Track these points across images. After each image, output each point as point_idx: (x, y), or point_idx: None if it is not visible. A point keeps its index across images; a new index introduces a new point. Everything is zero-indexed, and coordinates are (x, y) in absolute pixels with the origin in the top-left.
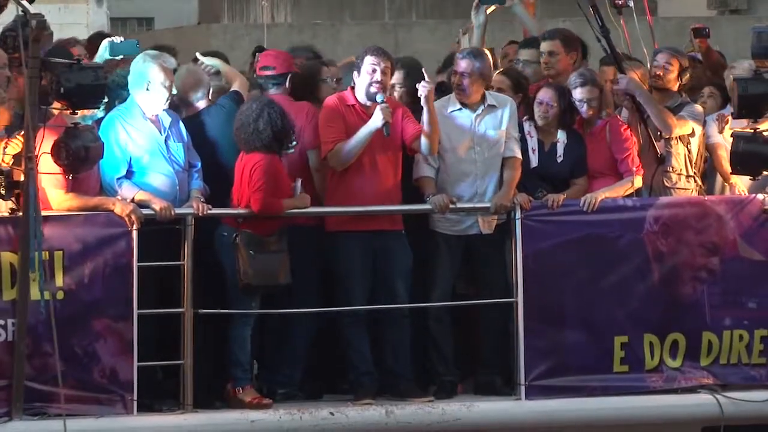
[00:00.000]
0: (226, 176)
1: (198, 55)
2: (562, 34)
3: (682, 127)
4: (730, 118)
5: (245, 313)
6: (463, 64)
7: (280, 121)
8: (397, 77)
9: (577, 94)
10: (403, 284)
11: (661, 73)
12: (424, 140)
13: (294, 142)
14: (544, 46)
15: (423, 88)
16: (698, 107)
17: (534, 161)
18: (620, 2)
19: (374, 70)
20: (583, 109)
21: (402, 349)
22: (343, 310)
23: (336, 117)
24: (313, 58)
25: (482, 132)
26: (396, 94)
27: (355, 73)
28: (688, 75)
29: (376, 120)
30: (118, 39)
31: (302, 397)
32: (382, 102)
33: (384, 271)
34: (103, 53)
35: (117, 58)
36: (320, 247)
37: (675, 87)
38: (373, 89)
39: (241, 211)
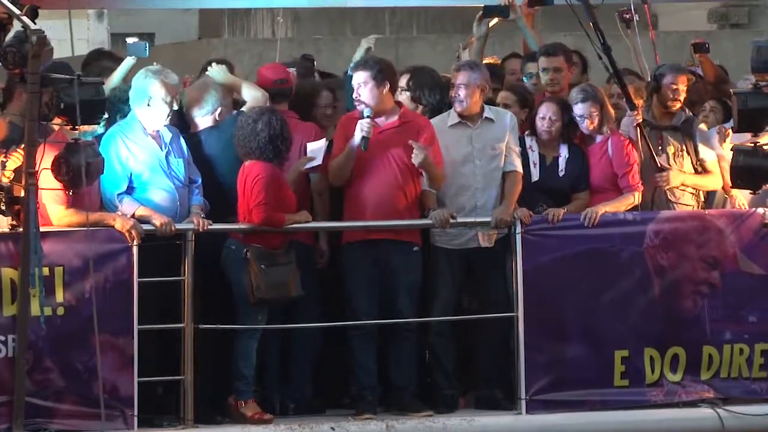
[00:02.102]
0: (226, 192)
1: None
2: (564, 50)
3: (715, 179)
4: (730, 131)
5: (247, 328)
6: (460, 76)
7: (279, 126)
8: (402, 82)
9: (578, 109)
10: (409, 299)
11: (676, 96)
12: (426, 181)
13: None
14: (548, 62)
15: (415, 158)
16: (703, 126)
17: (535, 175)
18: (627, 16)
19: (358, 86)
20: (584, 124)
21: (406, 363)
22: (347, 324)
23: (338, 133)
24: (307, 63)
25: (481, 145)
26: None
27: None
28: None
29: (356, 135)
30: (131, 40)
31: (311, 410)
32: (367, 117)
33: (391, 285)
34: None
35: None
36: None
37: (678, 105)
38: (360, 107)
39: (242, 226)
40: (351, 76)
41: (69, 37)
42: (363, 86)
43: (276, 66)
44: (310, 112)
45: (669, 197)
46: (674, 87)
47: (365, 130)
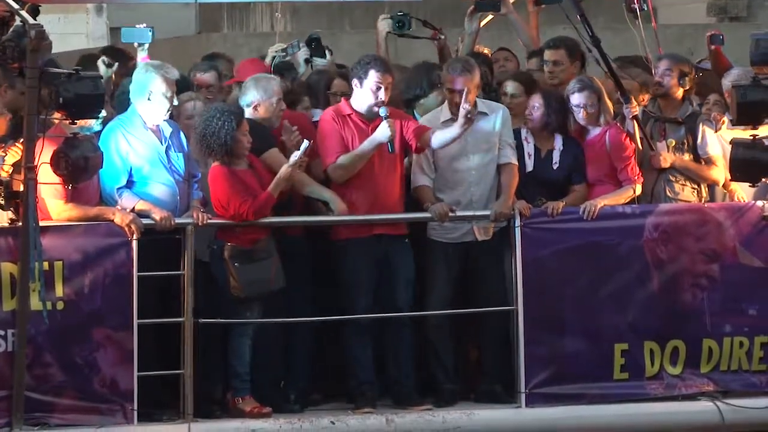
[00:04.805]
0: None
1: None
2: (566, 44)
3: (718, 171)
4: (726, 119)
5: (244, 323)
6: (459, 82)
7: (217, 128)
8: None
9: (575, 99)
10: (406, 292)
11: (661, 80)
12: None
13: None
14: (549, 55)
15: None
16: (707, 120)
17: (530, 166)
18: (635, 6)
19: (378, 88)
20: (580, 114)
21: (404, 356)
22: (344, 319)
23: (333, 131)
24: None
25: (475, 140)
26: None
27: (355, 81)
28: (688, 80)
29: (383, 135)
30: (139, 26)
31: (314, 402)
32: (387, 117)
33: (389, 279)
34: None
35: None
36: (313, 255)
37: (678, 94)
38: (376, 109)
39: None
40: (360, 72)
41: (66, 31)
42: (387, 89)
43: (256, 60)
44: (324, 100)
45: (668, 193)
46: (663, 71)
47: (394, 130)
